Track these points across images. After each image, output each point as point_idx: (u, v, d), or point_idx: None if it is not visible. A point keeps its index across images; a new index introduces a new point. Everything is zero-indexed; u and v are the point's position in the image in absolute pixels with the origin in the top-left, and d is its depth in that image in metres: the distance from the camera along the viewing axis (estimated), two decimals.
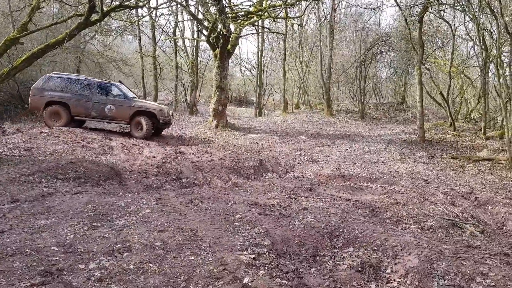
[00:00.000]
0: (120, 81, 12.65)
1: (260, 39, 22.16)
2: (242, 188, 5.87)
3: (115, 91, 11.24)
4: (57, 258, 3.01)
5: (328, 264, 3.61)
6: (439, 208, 5.59)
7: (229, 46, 13.60)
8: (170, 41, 22.19)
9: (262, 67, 23.91)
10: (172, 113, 12.35)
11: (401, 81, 23.57)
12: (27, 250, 3.08)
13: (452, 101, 15.98)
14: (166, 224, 3.84)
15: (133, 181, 7.16)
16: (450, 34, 13.46)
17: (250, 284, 2.89)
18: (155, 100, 21.97)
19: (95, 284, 2.67)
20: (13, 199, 4.33)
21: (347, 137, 14.22)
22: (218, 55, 13.50)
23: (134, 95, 12.19)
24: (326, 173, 9.18)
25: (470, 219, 5.23)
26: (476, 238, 4.36)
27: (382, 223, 4.88)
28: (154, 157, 8.85)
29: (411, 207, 5.49)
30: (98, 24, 22.86)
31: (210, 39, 13.34)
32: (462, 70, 14.04)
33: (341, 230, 4.14)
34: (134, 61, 25.97)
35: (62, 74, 11.46)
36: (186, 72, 24.48)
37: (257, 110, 22.87)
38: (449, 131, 13.78)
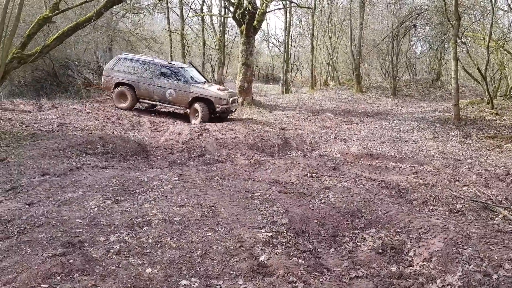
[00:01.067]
0: (190, 62, 12.15)
1: (288, 14, 21.46)
2: (264, 165, 5.81)
3: (178, 74, 10.82)
4: (80, 230, 3.10)
5: (348, 245, 3.51)
6: (471, 190, 5.31)
7: (255, 22, 13.29)
8: (197, 18, 21.96)
9: (290, 43, 23.28)
10: (236, 99, 11.59)
11: (436, 57, 22.25)
12: (53, 222, 3.19)
13: (491, 78, 14.91)
14: (186, 199, 3.86)
15: (158, 157, 7.29)
16: (490, 6, 12.40)
17: (266, 262, 2.86)
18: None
19: (114, 257, 2.73)
20: (43, 172, 4.50)
21: (376, 114, 13.73)
22: (244, 32, 13.24)
23: (205, 79, 11.69)
24: (353, 151, 8.94)
25: (504, 202, 4.92)
26: (508, 223, 4.10)
27: (408, 204, 4.70)
28: (179, 133, 8.93)
29: (440, 188, 5.25)
30: (129, 1, 22.97)
31: (236, 15, 13.06)
32: (502, 44, 13.00)
33: (363, 210, 4.01)
34: (163, 39, 26.08)
35: (131, 56, 11.49)
36: (214, 49, 24.30)
37: (284, 87, 22.47)
38: (486, 109, 12.96)
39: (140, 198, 3.94)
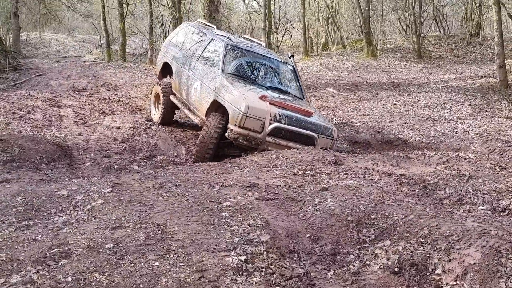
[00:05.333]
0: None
1: None
2: (237, 164, 5.82)
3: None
4: None
5: (353, 265, 3.55)
6: None
7: None
8: None
9: None
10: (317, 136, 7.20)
11: (474, 2, 22.66)
12: None
13: None
14: (123, 218, 3.82)
15: (88, 163, 7.25)
16: None
17: None
18: (123, 47, 21.77)
19: None
20: None
21: (395, 86, 13.96)
22: None
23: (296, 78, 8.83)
24: (363, 138, 9.09)
25: None
26: None
27: (436, 204, 4.78)
28: (118, 127, 8.89)
29: (480, 180, 5.36)
30: None
31: None
32: None
33: (373, 216, 4.05)
34: None
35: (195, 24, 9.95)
36: (165, 7, 24.11)
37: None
38: None
39: (56, 220, 3.87)
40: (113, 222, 3.76)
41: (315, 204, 4.37)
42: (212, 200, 4.38)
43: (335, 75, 16.08)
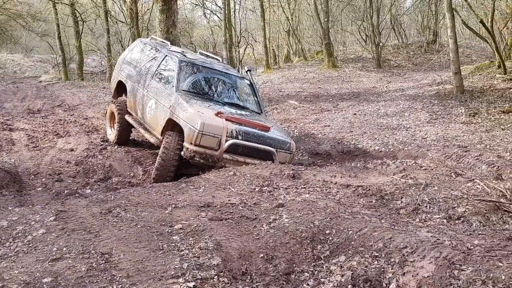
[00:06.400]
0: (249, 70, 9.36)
1: None
2: (193, 183, 5.69)
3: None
4: None
5: (308, 284, 3.47)
6: (478, 186, 5.50)
7: None
8: None
9: (232, 6, 23.43)
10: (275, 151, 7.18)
11: (430, 10, 23.35)
12: None
13: (500, 33, 15.82)
14: (65, 248, 3.63)
15: (39, 188, 6.98)
16: None
17: None
18: (80, 66, 21.33)
19: None
20: None
21: (356, 96, 14.13)
22: None
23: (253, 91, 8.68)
24: (323, 150, 9.09)
25: None
26: None
27: (393, 215, 4.78)
28: (72, 150, 8.62)
29: (436, 188, 5.41)
30: None
31: None
32: None
33: (327, 232, 3.99)
34: (46, 14, 25.16)
35: (148, 41, 9.85)
36: (123, 23, 23.83)
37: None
38: (497, 75, 13.74)
39: None
40: (54, 253, 3.57)
41: (270, 222, 4.28)
42: (163, 224, 4.23)
43: (296, 87, 16.16)
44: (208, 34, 33.58)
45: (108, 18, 21.44)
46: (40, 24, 30.90)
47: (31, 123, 11.32)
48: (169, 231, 4.08)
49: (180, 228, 4.12)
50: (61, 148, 8.78)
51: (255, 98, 8.48)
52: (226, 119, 6.76)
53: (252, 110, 8.05)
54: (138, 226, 4.13)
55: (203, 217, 4.40)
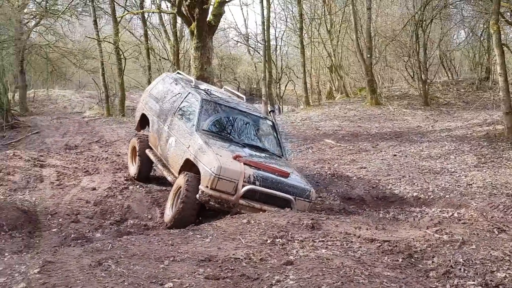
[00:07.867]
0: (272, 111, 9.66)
1: (265, 2, 21.60)
2: (200, 232, 5.32)
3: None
4: None
5: None
6: None
7: (210, 17, 13.30)
8: (138, 17, 22.17)
9: (271, 42, 23.47)
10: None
11: (482, 46, 22.40)
12: None
13: None
14: None
15: (54, 229, 6.85)
16: None
17: None
18: (122, 102, 21.83)
19: None
20: None
21: (398, 136, 13.48)
22: (195, 31, 13.16)
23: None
24: (357, 194, 8.58)
25: None
26: None
27: (420, 278, 4.21)
28: (94, 188, 8.52)
29: (474, 246, 4.80)
30: (43, 2, 22.98)
31: (182, 8, 13.02)
32: None
33: None
34: (93, 51, 26.12)
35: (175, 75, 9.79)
36: (167, 60, 24.38)
37: (267, 106, 22.29)
38: None
39: None
40: None
41: (272, 284, 3.81)
42: (153, 281, 3.86)
43: (335, 125, 15.70)
44: (252, 70, 33.80)
45: (149, 54, 21.93)
46: (88, 61, 32.22)
47: (64, 159, 11.43)
48: None
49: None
50: (84, 187, 8.70)
51: (277, 140, 8.18)
52: (245, 163, 6.44)
53: (273, 153, 7.73)
54: (125, 284, 3.77)
55: (199, 275, 4.00)
